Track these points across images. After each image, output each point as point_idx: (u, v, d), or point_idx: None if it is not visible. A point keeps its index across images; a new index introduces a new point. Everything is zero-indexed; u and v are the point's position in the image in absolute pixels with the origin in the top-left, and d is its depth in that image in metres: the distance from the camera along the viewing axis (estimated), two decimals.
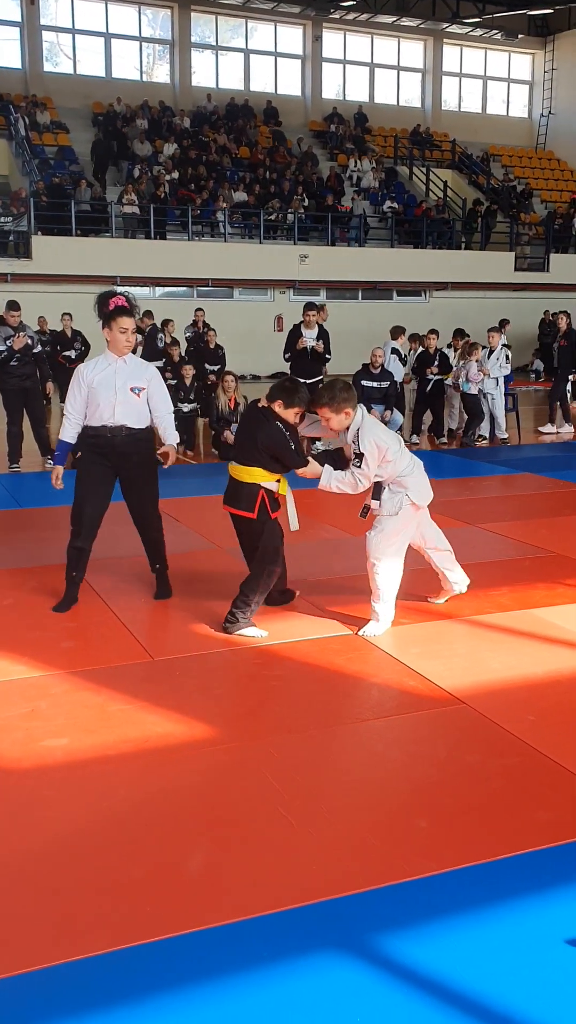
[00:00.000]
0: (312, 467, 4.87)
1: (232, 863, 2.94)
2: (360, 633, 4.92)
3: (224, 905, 2.73)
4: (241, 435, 5.10)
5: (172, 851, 3.00)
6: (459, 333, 13.19)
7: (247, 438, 4.92)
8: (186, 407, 11.35)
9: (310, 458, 4.95)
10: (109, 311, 5.07)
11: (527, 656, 4.65)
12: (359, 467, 4.77)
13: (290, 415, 4.86)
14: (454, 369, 11.99)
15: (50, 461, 8.99)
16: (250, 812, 3.23)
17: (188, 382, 11.64)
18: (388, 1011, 2.35)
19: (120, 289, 5.32)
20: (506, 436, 12.06)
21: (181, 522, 7.16)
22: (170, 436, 5.36)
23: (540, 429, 13.21)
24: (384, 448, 4.77)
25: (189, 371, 11.77)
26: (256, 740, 3.76)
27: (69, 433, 5.24)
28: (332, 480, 4.85)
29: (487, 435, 12.07)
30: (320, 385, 6.19)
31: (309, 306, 11.05)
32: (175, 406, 11.26)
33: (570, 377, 13.08)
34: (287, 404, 4.84)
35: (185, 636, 4.91)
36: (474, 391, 11.55)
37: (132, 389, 5.15)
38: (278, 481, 4.92)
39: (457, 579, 5.36)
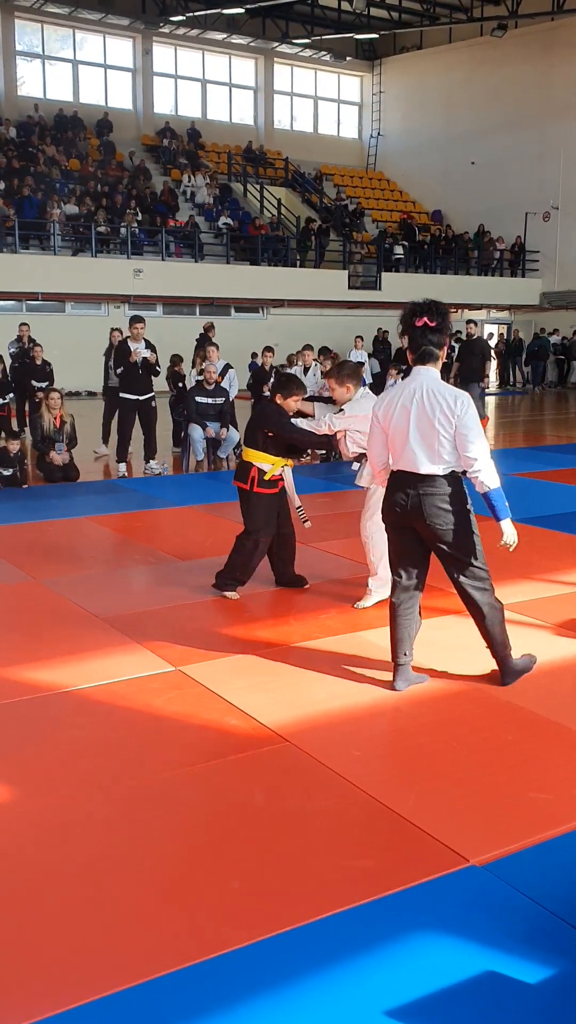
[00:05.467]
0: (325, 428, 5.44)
1: (7, 956, 2.56)
2: (355, 606, 5.57)
3: None
4: (248, 424, 5.74)
5: None
6: (324, 351, 13.33)
7: (251, 424, 5.65)
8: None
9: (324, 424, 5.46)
10: None
11: (353, 684, 4.46)
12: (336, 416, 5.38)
13: (291, 404, 5.56)
14: None
15: None
16: (34, 889, 2.85)
17: None
18: None
19: None
20: None
21: None
22: None
23: None
24: (364, 417, 5.03)
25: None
26: (56, 800, 3.39)
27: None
28: (337, 422, 5.39)
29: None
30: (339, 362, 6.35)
31: (136, 319, 10.77)
32: None
33: None
34: (285, 395, 5.54)
35: None
36: None
37: None
38: (276, 465, 5.53)
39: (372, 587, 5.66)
